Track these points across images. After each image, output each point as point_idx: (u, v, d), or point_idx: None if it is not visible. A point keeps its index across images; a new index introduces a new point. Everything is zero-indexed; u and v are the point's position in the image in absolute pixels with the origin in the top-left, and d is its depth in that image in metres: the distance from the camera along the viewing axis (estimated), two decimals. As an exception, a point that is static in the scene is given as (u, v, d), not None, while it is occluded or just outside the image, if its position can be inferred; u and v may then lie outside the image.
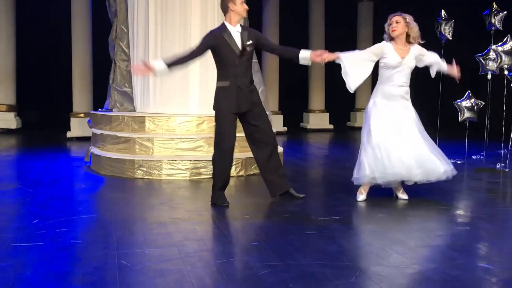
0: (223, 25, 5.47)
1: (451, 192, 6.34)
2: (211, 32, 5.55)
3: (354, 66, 5.52)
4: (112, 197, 6.23)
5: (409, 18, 5.55)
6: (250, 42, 5.44)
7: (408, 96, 5.65)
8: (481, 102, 8.53)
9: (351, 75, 5.50)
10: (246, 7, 5.53)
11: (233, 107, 5.40)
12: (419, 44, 5.66)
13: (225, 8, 5.46)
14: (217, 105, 5.46)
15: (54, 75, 13.06)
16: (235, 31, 5.43)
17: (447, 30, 8.84)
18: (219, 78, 5.47)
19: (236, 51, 5.37)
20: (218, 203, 5.47)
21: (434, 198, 5.94)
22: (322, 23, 14.29)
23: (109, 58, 8.91)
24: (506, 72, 8.21)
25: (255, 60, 9.01)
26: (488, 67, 8.38)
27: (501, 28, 8.42)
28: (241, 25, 5.57)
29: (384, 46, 5.59)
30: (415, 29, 5.57)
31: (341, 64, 5.50)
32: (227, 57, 5.38)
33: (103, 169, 7.36)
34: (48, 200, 5.74)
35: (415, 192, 5.84)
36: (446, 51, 8.83)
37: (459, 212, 5.55)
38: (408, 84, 5.65)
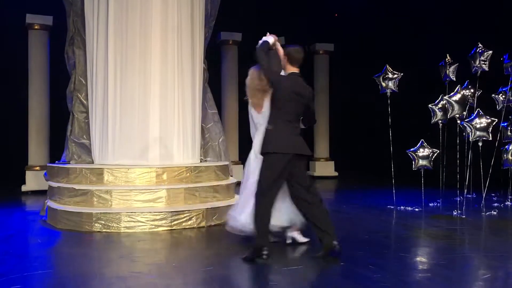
0: None
1: (410, 239, 6.42)
2: None
3: None
4: (69, 251, 6.06)
5: None
6: None
7: None
8: (436, 150, 8.74)
9: None
10: None
11: None
12: None
13: None
14: None
15: (8, 127, 12.80)
16: None
17: (391, 84, 9.06)
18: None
19: None
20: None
21: (394, 245, 5.98)
22: (280, 75, 14.58)
23: (67, 110, 8.83)
24: (458, 121, 8.47)
25: (214, 110, 9.12)
26: (437, 117, 8.66)
27: (454, 79, 8.77)
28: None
29: None
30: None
31: None
32: None
33: (59, 223, 7.19)
34: (2, 256, 5.54)
35: (375, 239, 5.86)
36: (392, 103, 9.06)
37: (419, 259, 5.60)
38: None
